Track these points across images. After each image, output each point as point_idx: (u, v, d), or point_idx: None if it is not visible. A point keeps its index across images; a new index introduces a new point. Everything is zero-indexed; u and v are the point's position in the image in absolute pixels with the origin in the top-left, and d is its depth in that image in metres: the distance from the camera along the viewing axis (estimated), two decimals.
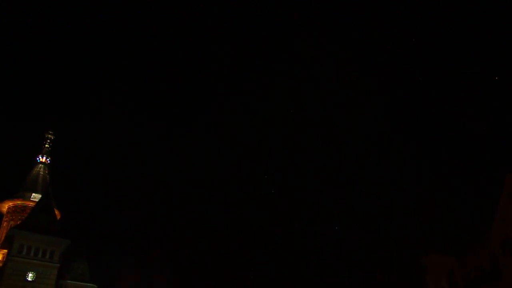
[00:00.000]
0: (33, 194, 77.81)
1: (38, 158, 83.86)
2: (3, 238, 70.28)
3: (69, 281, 69.16)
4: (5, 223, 75.80)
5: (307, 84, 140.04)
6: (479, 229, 43.12)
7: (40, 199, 71.09)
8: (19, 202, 77.15)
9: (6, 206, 77.32)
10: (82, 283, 70.33)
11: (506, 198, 38.74)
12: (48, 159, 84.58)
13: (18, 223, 69.00)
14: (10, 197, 77.72)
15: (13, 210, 76.62)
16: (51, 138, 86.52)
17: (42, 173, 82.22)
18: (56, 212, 72.47)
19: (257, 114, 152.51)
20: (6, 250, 66.37)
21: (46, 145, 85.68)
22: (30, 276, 60.50)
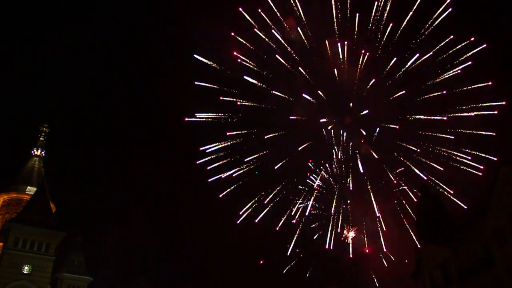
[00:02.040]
0: (28, 187, 77.61)
1: (33, 151, 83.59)
2: None
3: (65, 274, 69.32)
4: (0, 216, 75.59)
5: None
6: (473, 220, 43.47)
7: (35, 192, 70.94)
8: (14, 195, 76.97)
9: (1, 199, 77.11)
10: (78, 276, 70.49)
11: (499, 188, 38.98)
12: (43, 152, 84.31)
13: (14, 216, 68.86)
14: (5, 190, 77.53)
15: (8, 203, 76.40)
16: (45, 131, 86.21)
17: (37, 166, 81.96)
18: (51, 205, 72.30)
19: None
20: (1, 243, 66.25)
21: (41, 138, 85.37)
22: (26, 269, 60.51)
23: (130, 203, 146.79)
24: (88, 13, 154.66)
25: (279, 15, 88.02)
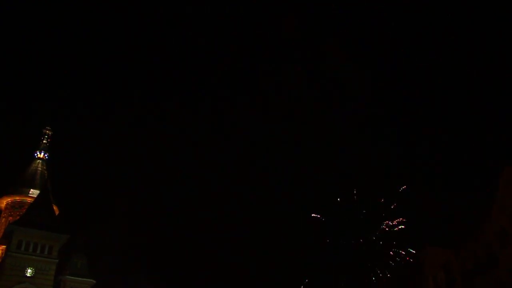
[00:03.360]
0: (31, 189, 77.72)
1: (36, 154, 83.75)
2: (1, 234, 70.24)
3: (68, 277, 69.31)
4: (4, 219, 75.77)
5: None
6: (475, 221, 43.40)
7: (39, 195, 71.02)
8: (17, 198, 77.09)
9: (4, 202, 77.26)
10: (81, 279, 70.46)
11: (503, 190, 38.99)
12: (46, 155, 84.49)
13: (17, 218, 68.94)
14: (8, 192, 77.61)
15: (11, 206, 76.56)
16: (49, 133, 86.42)
17: (40, 168, 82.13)
18: (55, 207, 72.46)
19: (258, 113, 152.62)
20: (4, 246, 66.38)
21: (44, 141, 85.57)
22: (29, 272, 60.54)
23: (134, 206, 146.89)
24: (92, 14, 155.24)
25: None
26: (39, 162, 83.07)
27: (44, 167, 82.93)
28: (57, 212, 74.67)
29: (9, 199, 77.19)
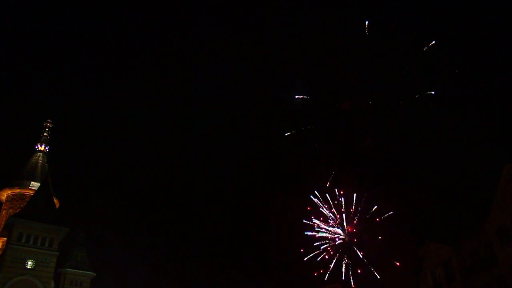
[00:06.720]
0: (32, 182, 77.85)
1: (36, 147, 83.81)
2: (2, 226, 70.45)
3: (68, 269, 69.65)
4: (4, 211, 75.95)
5: None
6: (475, 219, 43.47)
7: (39, 188, 71.07)
8: (18, 190, 77.22)
9: (5, 194, 77.40)
10: (81, 271, 70.80)
11: (503, 187, 39.03)
12: (46, 148, 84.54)
13: (17, 211, 69.08)
14: (9, 185, 77.74)
15: (12, 198, 76.71)
16: (49, 126, 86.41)
17: (40, 161, 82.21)
18: (55, 200, 72.54)
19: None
20: (5, 238, 66.58)
21: (45, 134, 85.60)
22: (29, 264, 60.69)
23: (135, 199, 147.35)
24: (93, 5, 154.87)
25: None
26: (40, 154, 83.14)
27: (45, 160, 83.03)
28: (57, 205, 74.83)
29: (9, 192, 77.32)
